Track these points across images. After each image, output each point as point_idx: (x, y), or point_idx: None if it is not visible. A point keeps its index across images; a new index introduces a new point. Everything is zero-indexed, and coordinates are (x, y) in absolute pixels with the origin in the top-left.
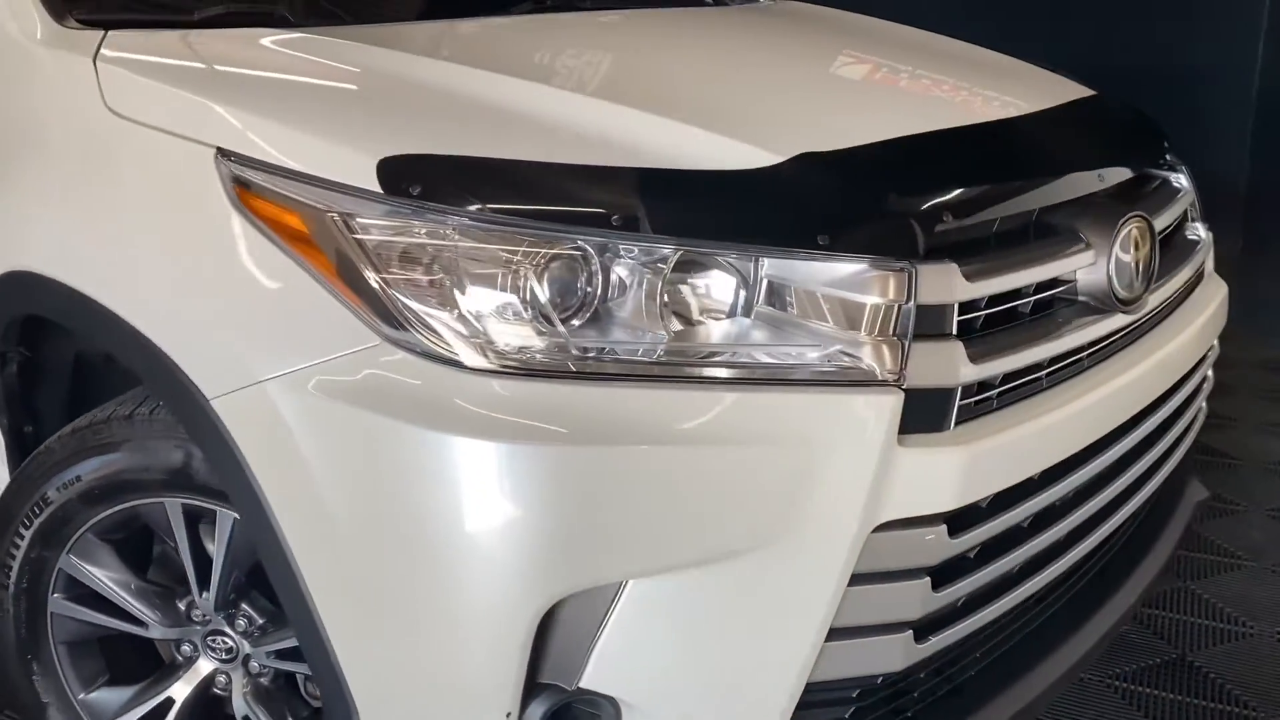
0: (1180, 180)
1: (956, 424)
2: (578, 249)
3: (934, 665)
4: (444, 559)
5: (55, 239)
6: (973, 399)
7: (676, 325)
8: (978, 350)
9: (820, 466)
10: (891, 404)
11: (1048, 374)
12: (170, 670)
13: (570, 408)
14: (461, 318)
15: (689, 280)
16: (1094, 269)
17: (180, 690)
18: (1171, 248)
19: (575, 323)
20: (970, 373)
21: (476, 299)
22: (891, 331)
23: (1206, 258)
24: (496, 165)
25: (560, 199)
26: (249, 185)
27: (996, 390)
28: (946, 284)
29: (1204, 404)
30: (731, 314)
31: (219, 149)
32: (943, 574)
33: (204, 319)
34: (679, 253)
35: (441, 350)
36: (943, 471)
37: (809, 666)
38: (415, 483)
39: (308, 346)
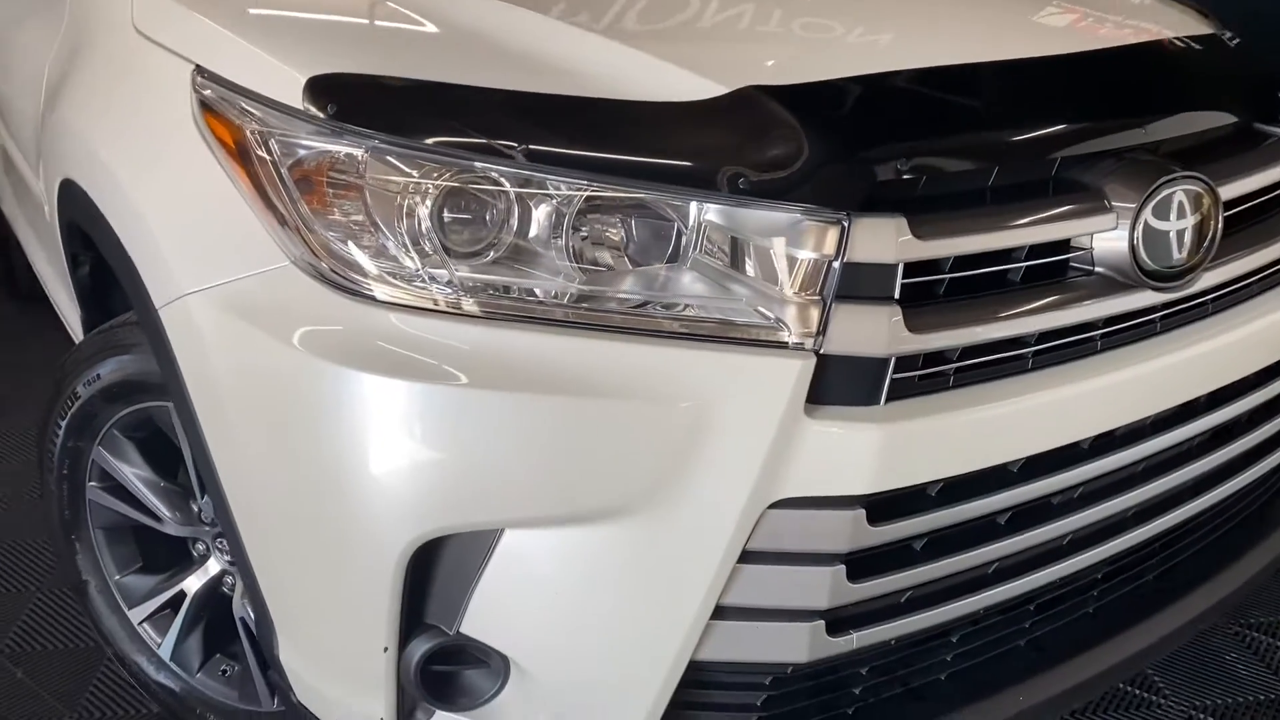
0: None
1: (891, 399)
2: (486, 181)
3: (874, 663)
4: (326, 485)
5: (84, 149)
6: (916, 373)
7: (583, 269)
8: (925, 319)
9: (711, 431)
10: (798, 369)
11: (1036, 353)
12: (186, 565)
13: (459, 347)
14: (362, 246)
15: (601, 221)
16: (1115, 235)
17: (192, 584)
18: (1271, 219)
19: (482, 259)
20: (908, 343)
21: (379, 228)
22: (812, 290)
23: None
24: (416, 88)
25: (474, 126)
26: (207, 102)
27: (953, 366)
28: (888, 241)
29: None
30: (642, 260)
31: (196, 66)
32: (867, 564)
33: (162, 232)
34: (588, 190)
35: (339, 278)
36: (857, 450)
37: (691, 643)
38: (305, 408)
39: (229, 264)
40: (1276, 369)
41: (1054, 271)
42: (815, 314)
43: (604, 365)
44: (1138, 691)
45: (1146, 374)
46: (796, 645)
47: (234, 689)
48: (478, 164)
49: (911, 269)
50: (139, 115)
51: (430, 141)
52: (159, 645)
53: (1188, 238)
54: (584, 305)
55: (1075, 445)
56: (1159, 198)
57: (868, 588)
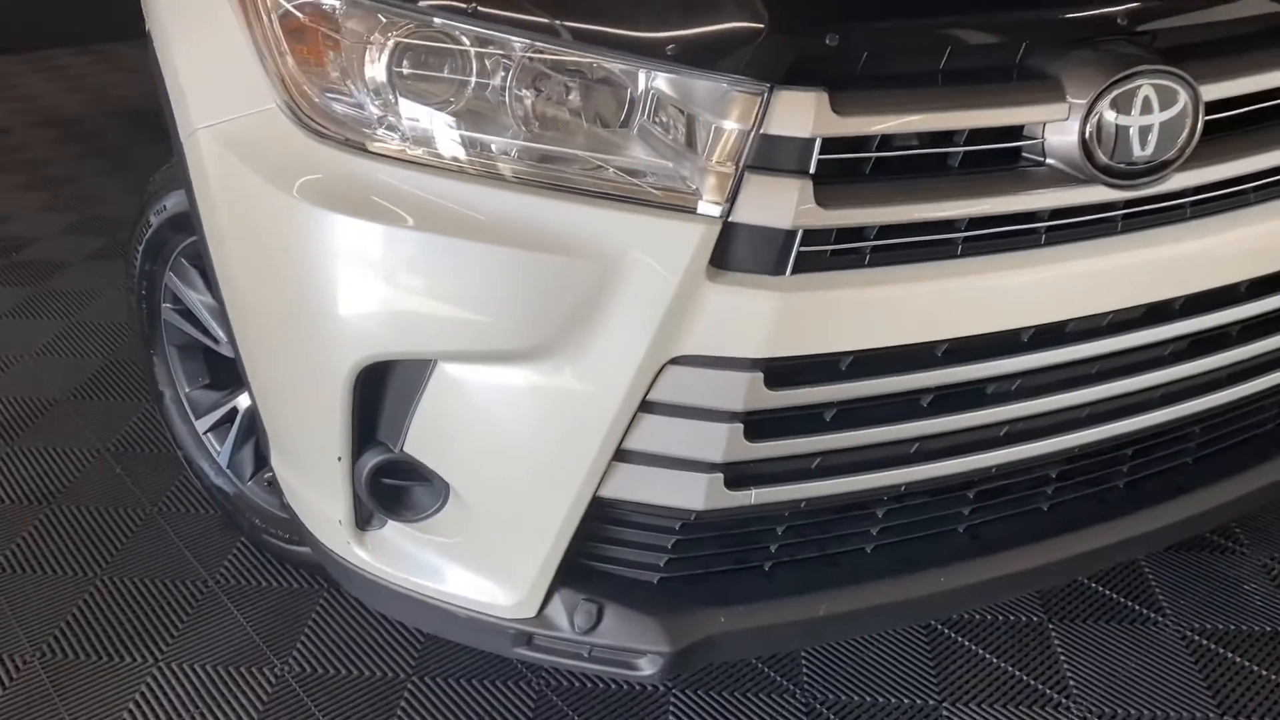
0: None
1: (800, 271)
2: (445, 37)
3: (790, 524)
4: (292, 309)
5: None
6: (827, 248)
7: (527, 128)
8: (839, 195)
9: (618, 287)
10: (702, 234)
11: (967, 240)
12: (240, 385)
13: (408, 192)
14: (330, 93)
15: (550, 82)
16: (1067, 127)
17: (243, 402)
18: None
19: (437, 113)
20: (816, 218)
21: (345, 77)
22: (727, 160)
23: None
24: None
25: None
26: None
27: (869, 244)
28: (805, 116)
29: None
30: (591, 122)
31: None
32: (769, 426)
33: (186, 74)
34: (529, 49)
35: (311, 122)
36: (754, 315)
37: (594, 479)
38: (275, 239)
39: (230, 104)
40: (1273, 282)
41: (1002, 161)
42: (727, 183)
43: (530, 219)
44: (1135, 605)
45: (1094, 271)
46: (694, 494)
47: (275, 497)
48: (436, 20)
49: (837, 146)
50: None
51: None
52: (218, 453)
53: (1154, 135)
54: (524, 163)
55: (1012, 335)
56: (1119, 91)
57: (766, 448)
